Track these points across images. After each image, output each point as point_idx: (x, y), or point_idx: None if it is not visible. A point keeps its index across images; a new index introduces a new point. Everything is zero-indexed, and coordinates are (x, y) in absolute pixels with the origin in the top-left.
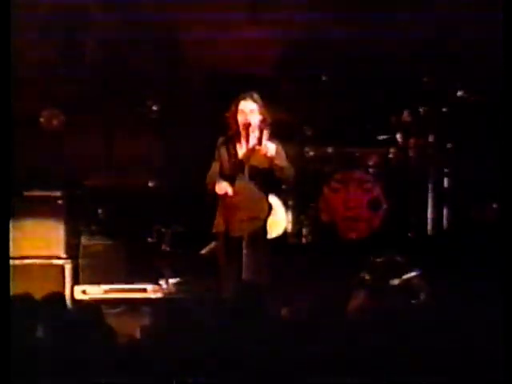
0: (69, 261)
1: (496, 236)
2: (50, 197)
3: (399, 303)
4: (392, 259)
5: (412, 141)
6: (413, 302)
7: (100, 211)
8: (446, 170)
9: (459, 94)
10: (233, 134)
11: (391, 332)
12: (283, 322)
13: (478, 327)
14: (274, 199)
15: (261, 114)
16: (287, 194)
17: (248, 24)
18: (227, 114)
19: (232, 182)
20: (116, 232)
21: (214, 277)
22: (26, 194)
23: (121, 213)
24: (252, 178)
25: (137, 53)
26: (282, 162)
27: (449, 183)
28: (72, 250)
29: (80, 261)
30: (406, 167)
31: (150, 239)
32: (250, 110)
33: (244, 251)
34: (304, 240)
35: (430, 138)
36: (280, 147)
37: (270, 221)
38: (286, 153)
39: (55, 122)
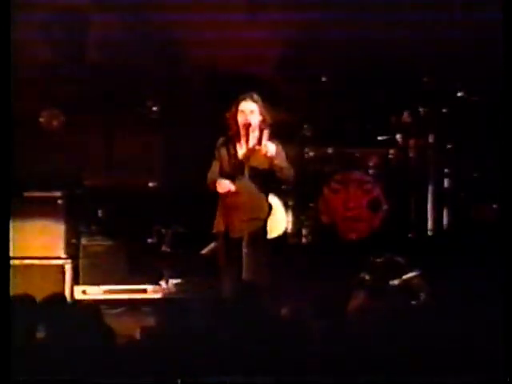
0: (69, 261)
1: (496, 236)
2: (50, 197)
3: (399, 303)
4: (392, 259)
5: (412, 141)
6: (413, 302)
7: (100, 211)
8: (446, 171)
9: (459, 94)
10: (233, 134)
11: (391, 332)
12: (283, 322)
13: (478, 327)
14: (274, 199)
15: (261, 114)
16: (287, 194)
17: (248, 24)
18: (227, 115)
19: (232, 182)
20: (116, 232)
21: (215, 277)
22: (25, 194)
23: (121, 213)
24: (252, 178)
25: (137, 53)
26: (281, 162)
27: (449, 183)
28: (72, 250)
29: (80, 261)
30: (406, 168)
31: (150, 240)
32: (250, 111)
33: (244, 251)
34: (304, 240)
35: (430, 139)
36: (280, 147)
37: (269, 221)
38: (286, 153)
39: (55, 122)
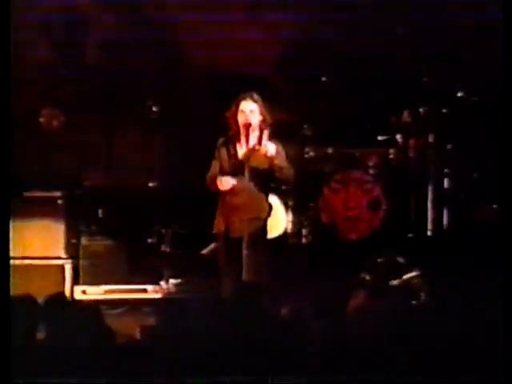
0: (69, 261)
1: (496, 236)
2: (50, 197)
3: (399, 303)
4: (392, 259)
5: (412, 141)
6: (413, 302)
7: (100, 211)
8: (445, 171)
9: (459, 94)
10: (233, 134)
11: (391, 332)
12: (283, 322)
13: (478, 327)
14: (274, 199)
15: (261, 114)
16: (287, 194)
17: (248, 24)
18: (227, 114)
19: None
20: (116, 232)
21: (215, 277)
22: (25, 194)
23: (121, 213)
24: (252, 178)
25: (137, 53)
26: (281, 162)
27: (449, 184)
28: (72, 250)
29: (80, 261)
30: (406, 167)
31: (150, 240)
32: (250, 110)
33: (244, 251)
34: (304, 240)
35: (430, 139)
36: (280, 147)
37: (270, 221)
38: (286, 153)
39: (55, 122)
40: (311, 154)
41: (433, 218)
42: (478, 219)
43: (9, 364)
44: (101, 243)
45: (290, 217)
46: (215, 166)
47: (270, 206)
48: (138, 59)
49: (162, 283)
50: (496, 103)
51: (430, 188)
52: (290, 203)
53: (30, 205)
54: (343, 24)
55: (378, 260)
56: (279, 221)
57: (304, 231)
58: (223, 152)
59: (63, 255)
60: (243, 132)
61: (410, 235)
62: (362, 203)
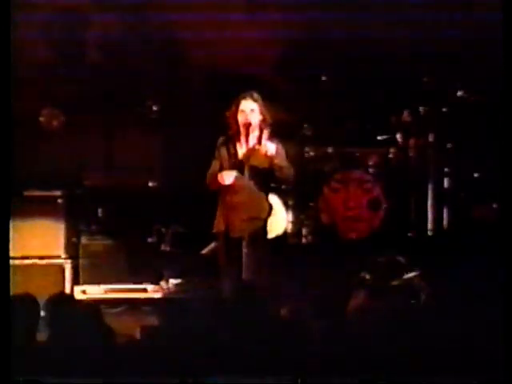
0: (69, 261)
1: (496, 236)
2: (50, 197)
3: (399, 303)
4: (392, 259)
5: (412, 141)
6: (413, 301)
7: (100, 211)
8: (446, 170)
9: (459, 94)
10: (233, 133)
11: (391, 332)
12: (283, 322)
13: (478, 327)
14: (274, 199)
15: (261, 113)
16: (287, 194)
17: (248, 24)
18: (227, 114)
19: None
20: (116, 232)
21: (215, 277)
22: (25, 194)
23: (121, 213)
24: (252, 177)
25: (137, 53)
26: (281, 161)
27: (449, 183)
28: (72, 250)
29: (80, 261)
30: (406, 167)
31: (150, 239)
32: (250, 110)
33: (244, 251)
34: (304, 240)
35: (430, 138)
36: (280, 147)
37: (270, 221)
38: (286, 152)
39: (55, 122)
40: (311, 153)
41: (433, 217)
42: (477, 219)
43: (9, 364)
44: (101, 243)
45: (290, 217)
46: (215, 166)
47: (270, 206)
48: (137, 59)
49: (162, 283)
50: (496, 103)
51: (429, 188)
52: (290, 203)
53: (29, 204)
54: (343, 24)
55: (378, 260)
56: (279, 221)
57: (304, 231)
58: (223, 151)
59: (63, 255)
60: (243, 131)
61: (409, 235)
62: (362, 203)
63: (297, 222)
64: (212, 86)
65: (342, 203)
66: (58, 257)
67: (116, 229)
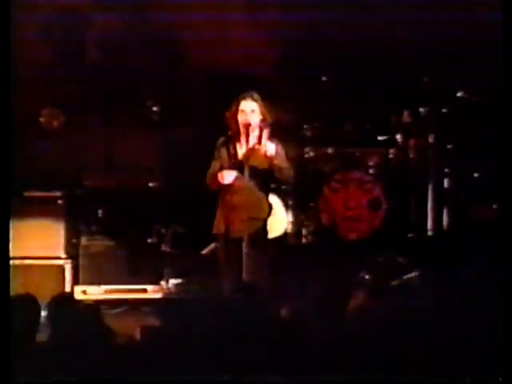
0: (69, 261)
1: (496, 236)
2: (49, 197)
3: (399, 303)
4: (392, 259)
5: (412, 141)
6: (413, 302)
7: (100, 211)
8: (446, 171)
9: (459, 94)
10: (233, 133)
11: (391, 332)
12: (283, 322)
13: (478, 327)
14: (274, 199)
15: (261, 113)
16: (287, 194)
17: (248, 24)
18: (227, 114)
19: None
20: (116, 232)
21: (215, 277)
22: (25, 194)
23: (121, 213)
24: (252, 177)
25: (137, 53)
26: (281, 162)
27: (449, 183)
28: (72, 250)
29: (80, 261)
30: (406, 167)
31: (150, 239)
32: (250, 110)
33: (244, 251)
34: (304, 240)
35: (430, 139)
36: (280, 147)
37: (270, 221)
38: (286, 153)
39: (55, 122)
40: (311, 154)
41: (433, 217)
42: (477, 219)
43: (9, 364)
44: (101, 243)
45: (290, 217)
46: (215, 166)
47: (270, 206)
48: (137, 59)
49: (162, 283)
50: (496, 103)
51: (430, 188)
52: (290, 203)
53: (29, 205)
54: (343, 24)
55: (378, 260)
56: (279, 221)
57: (304, 231)
58: (223, 152)
59: (63, 255)
60: (243, 132)
61: (410, 235)
62: (362, 203)
63: (297, 223)
64: (212, 86)
65: (342, 203)
66: (58, 257)
67: (116, 229)
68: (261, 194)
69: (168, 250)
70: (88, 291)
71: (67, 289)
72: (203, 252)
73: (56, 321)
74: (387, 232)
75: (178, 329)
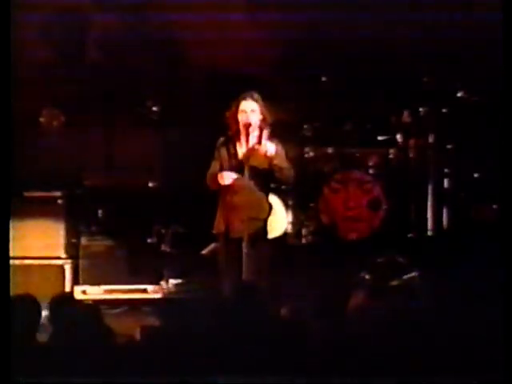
0: (69, 261)
1: (496, 236)
2: (49, 197)
3: (399, 303)
4: (392, 259)
5: (412, 141)
6: (413, 302)
7: (100, 211)
8: (445, 171)
9: (459, 94)
10: (233, 133)
11: (391, 332)
12: (283, 322)
13: (478, 327)
14: (274, 199)
15: (261, 113)
16: (287, 194)
17: (248, 24)
18: (227, 114)
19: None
20: (116, 232)
21: (215, 277)
22: (25, 194)
23: (121, 213)
24: (252, 177)
25: (137, 53)
26: (281, 162)
27: (449, 183)
28: (72, 250)
29: (80, 261)
30: (406, 167)
31: (150, 239)
32: (250, 110)
33: (244, 251)
34: (304, 240)
35: (430, 139)
36: (280, 147)
37: (270, 221)
38: (286, 153)
39: (55, 122)
40: (311, 154)
41: (433, 218)
42: (477, 219)
43: (9, 364)
44: (101, 243)
45: (290, 217)
46: (215, 166)
47: (270, 206)
48: (137, 59)
49: (162, 283)
50: (496, 103)
51: (430, 188)
52: (290, 203)
53: (29, 205)
54: (343, 24)
55: (378, 260)
56: (279, 221)
57: (304, 231)
58: (223, 152)
59: (63, 255)
60: (243, 132)
61: (409, 235)
62: (362, 203)
63: (297, 223)
64: (212, 86)
65: (342, 203)
66: (58, 257)
67: (116, 229)
68: (261, 194)
69: (168, 249)
70: (88, 291)
71: (67, 289)
72: (203, 252)
73: (56, 321)
74: (387, 232)
75: (178, 329)
